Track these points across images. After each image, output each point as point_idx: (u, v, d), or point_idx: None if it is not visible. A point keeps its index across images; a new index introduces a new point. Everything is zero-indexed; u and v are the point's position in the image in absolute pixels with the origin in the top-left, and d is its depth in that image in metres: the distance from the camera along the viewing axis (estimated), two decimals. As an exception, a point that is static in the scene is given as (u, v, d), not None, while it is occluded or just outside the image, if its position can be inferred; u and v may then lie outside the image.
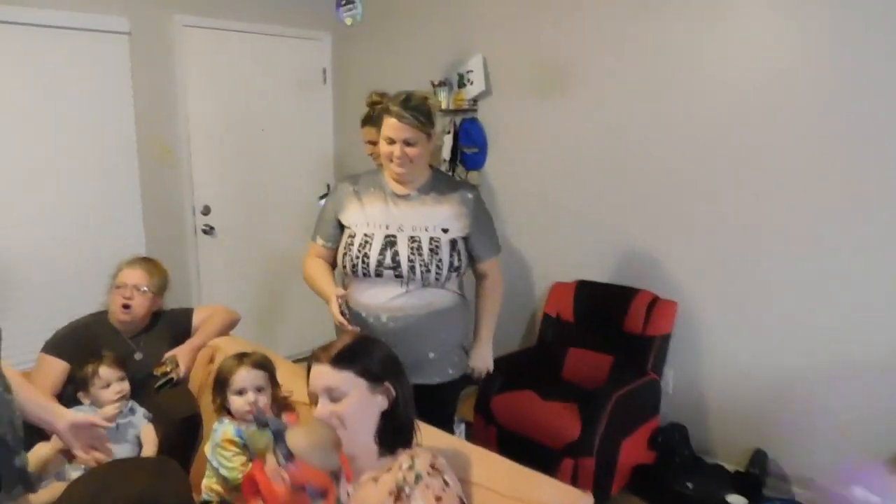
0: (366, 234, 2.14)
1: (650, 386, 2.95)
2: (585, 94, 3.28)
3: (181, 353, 2.44)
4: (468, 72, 3.64)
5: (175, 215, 3.86)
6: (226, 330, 2.63)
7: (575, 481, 2.67)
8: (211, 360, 2.41)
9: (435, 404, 2.07)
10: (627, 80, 3.12)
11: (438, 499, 1.34)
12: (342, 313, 2.06)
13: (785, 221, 2.74)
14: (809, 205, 2.68)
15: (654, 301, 3.03)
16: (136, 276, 2.47)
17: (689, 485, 2.76)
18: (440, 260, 2.11)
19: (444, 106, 3.76)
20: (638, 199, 3.17)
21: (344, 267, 2.20)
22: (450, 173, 3.84)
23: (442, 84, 3.74)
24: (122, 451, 2.10)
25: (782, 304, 2.79)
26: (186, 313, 2.63)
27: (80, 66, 3.40)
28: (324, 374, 1.46)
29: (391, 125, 2.05)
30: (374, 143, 2.93)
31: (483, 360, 2.35)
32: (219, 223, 4.03)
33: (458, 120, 3.77)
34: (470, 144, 3.70)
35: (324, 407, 1.44)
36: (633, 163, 3.17)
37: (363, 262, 2.12)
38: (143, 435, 2.21)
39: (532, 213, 3.57)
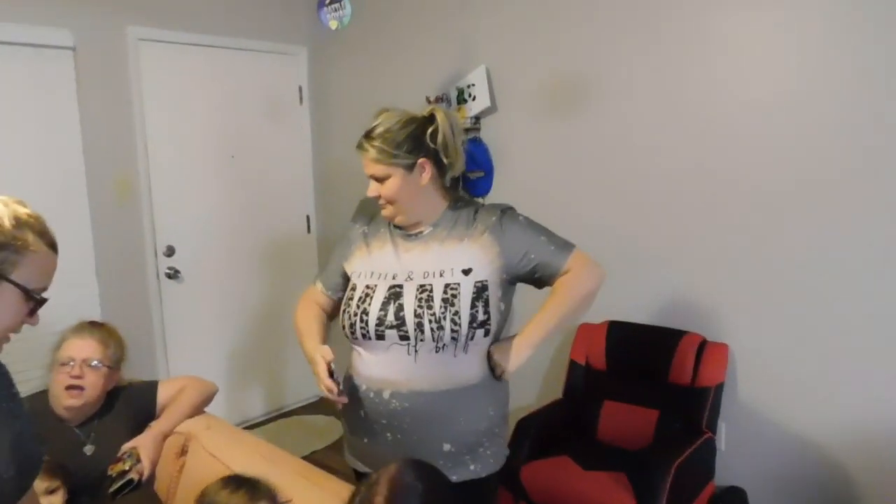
0: (367, 286, 1.68)
1: (707, 446, 2.52)
2: (607, 111, 2.87)
3: (144, 443, 1.93)
4: (470, 86, 3.20)
5: (134, 258, 3.34)
6: (200, 407, 2.14)
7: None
8: (182, 452, 1.92)
9: None
10: (656, 95, 2.72)
11: None
12: (332, 379, 1.59)
13: (860, 254, 2.35)
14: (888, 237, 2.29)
15: (704, 344, 2.61)
16: (86, 349, 1.97)
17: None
18: (457, 312, 1.59)
19: (441, 125, 3.31)
20: (673, 226, 2.76)
21: (343, 328, 1.71)
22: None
23: (439, 100, 3.31)
24: None
25: (859, 348, 2.39)
26: (149, 389, 2.13)
27: (16, 88, 2.87)
28: None
29: (362, 159, 1.68)
30: None
31: (504, 354, 1.66)
32: (185, 265, 3.51)
33: (458, 141, 3.32)
34: (474, 168, 3.26)
35: None
36: (665, 186, 2.76)
37: (362, 320, 1.64)
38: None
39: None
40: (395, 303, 1.62)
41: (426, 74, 3.42)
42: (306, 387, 3.53)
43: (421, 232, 1.71)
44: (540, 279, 1.72)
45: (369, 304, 1.64)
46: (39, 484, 1.66)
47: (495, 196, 3.26)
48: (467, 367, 1.64)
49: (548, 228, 1.77)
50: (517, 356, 1.65)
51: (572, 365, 2.89)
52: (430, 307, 1.59)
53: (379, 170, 1.63)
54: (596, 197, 2.96)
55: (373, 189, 1.67)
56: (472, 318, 1.60)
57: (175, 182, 3.45)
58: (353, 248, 1.78)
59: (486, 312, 1.62)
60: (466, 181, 3.30)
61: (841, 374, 2.43)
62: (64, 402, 1.92)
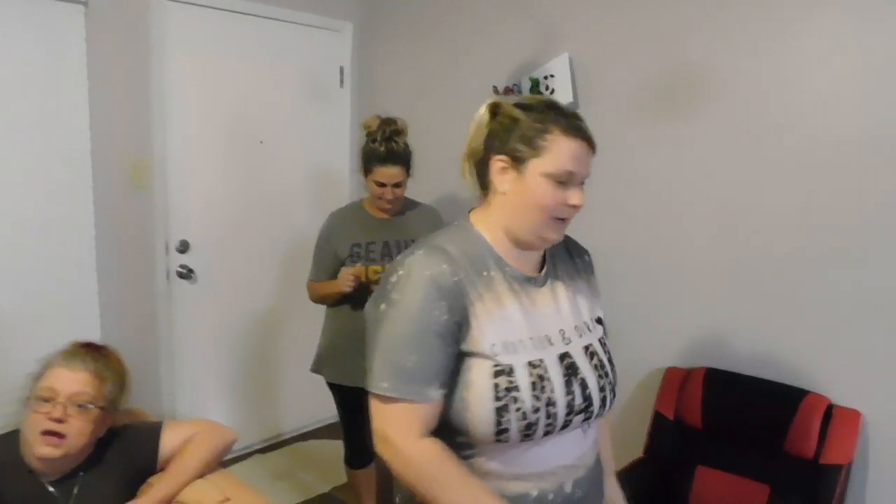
0: (531, 365, 1.14)
1: (835, 539, 2.03)
2: (721, 117, 2.37)
3: (141, 510, 1.47)
4: (548, 76, 2.71)
5: (141, 253, 2.87)
6: (213, 462, 1.68)
7: None
8: (190, 529, 1.44)
9: None
10: (786, 100, 2.23)
11: None
12: None
13: None
14: None
15: (831, 409, 2.13)
16: (75, 383, 1.54)
17: None
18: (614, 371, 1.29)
19: (510, 121, 2.83)
20: (794, 253, 2.26)
21: (504, 433, 1.11)
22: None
23: (509, 91, 2.82)
24: None
25: None
26: (151, 434, 1.69)
27: (15, 45, 2.41)
28: None
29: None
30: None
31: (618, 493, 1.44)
32: (200, 264, 3.04)
33: (528, 140, 2.84)
34: (546, 173, 2.77)
35: None
36: (786, 204, 2.26)
37: (548, 415, 1.13)
38: None
39: (631, 267, 2.65)
40: (576, 380, 1.18)
41: (495, 60, 2.93)
42: (326, 407, 3.07)
43: (536, 277, 1.25)
44: None
45: (551, 391, 1.14)
46: None
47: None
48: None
49: None
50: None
51: (658, 418, 2.40)
52: (606, 374, 1.25)
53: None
54: (696, 216, 2.47)
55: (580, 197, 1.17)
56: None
57: (194, 167, 2.98)
58: (469, 309, 1.14)
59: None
60: (536, 188, 2.81)
61: None
62: (38, 450, 1.47)
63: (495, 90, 2.85)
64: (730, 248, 2.40)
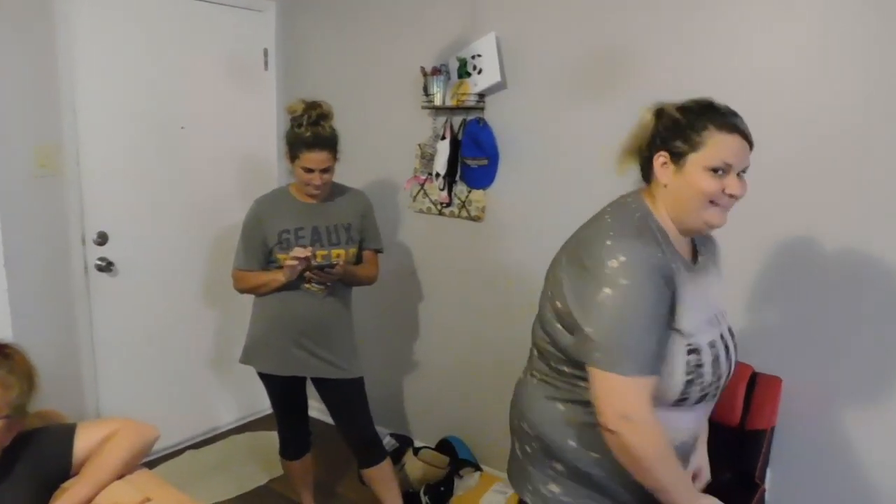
0: (711, 343, 1.34)
1: (762, 499, 2.11)
2: (644, 94, 2.39)
3: (53, 517, 1.39)
4: (475, 56, 2.69)
5: (55, 246, 2.72)
6: (134, 461, 1.60)
7: None
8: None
9: None
10: (702, 77, 2.26)
11: None
12: None
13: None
14: None
15: (755, 378, 2.20)
16: None
17: None
18: None
19: (438, 102, 2.80)
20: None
21: (678, 401, 1.32)
22: (445, 190, 2.89)
23: (437, 72, 2.78)
24: None
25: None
26: (63, 437, 1.59)
27: None
28: None
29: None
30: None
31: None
32: (120, 257, 2.91)
33: (457, 121, 2.82)
34: (475, 154, 2.76)
35: None
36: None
37: (715, 388, 1.38)
38: None
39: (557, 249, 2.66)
40: (727, 359, 1.40)
41: (422, 40, 2.89)
42: (261, 398, 2.99)
43: (694, 261, 1.42)
44: None
45: (719, 368, 1.36)
46: None
47: (499, 186, 2.76)
48: None
49: None
50: None
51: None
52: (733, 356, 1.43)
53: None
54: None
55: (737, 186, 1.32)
56: None
57: (111, 154, 2.83)
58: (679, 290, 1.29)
59: None
60: (466, 169, 2.80)
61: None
62: None
63: (423, 71, 2.81)
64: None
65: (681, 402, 1.30)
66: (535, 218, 2.71)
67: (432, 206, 2.96)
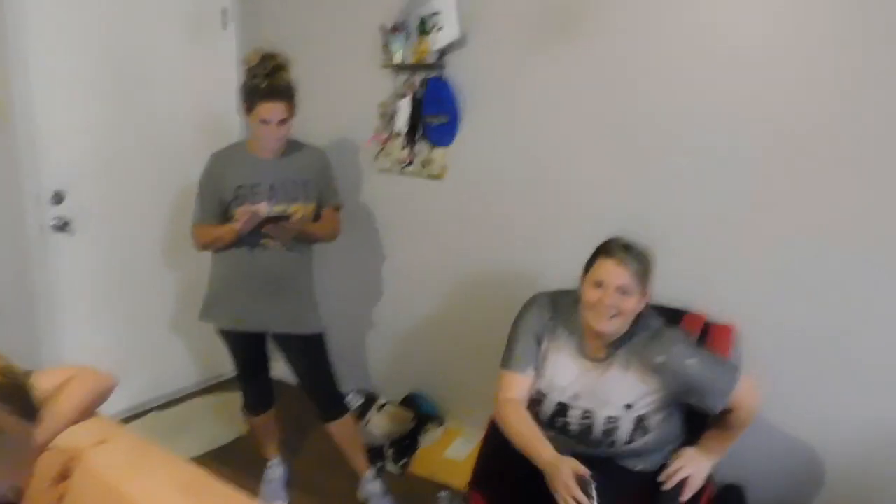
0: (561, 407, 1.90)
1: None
2: (606, 48, 2.41)
3: (6, 459, 1.39)
4: (434, 14, 2.68)
5: (9, 206, 2.68)
6: (90, 408, 1.58)
7: None
8: (63, 476, 1.39)
9: None
10: (665, 25, 2.30)
11: None
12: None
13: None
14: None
15: (707, 327, 2.27)
16: None
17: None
18: None
19: (399, 61, 2.80)
20: (672, 188, 2.37)
21: None
22: (406, 149, 2.90)
23: (395, 31, 2.77)
24: None
25: (879, 335, 2.10)
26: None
27: None
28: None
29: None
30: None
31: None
32: (78, 216, 2.87)
33: (418, 79, 2.82)
34: (436, 112, 2.77)
35: None
36: (665, 139, 2.36)
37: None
38: None
39: (519, 206, 2.70)
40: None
41: (381, -2, 2.87)
42: (219, 363, 3.00)
43: None
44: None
45: None
46: None
47: (460, 143, 2.78)
48: None
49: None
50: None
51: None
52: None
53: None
54: (581, 151, 2.53)
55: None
56: None
57: (65, 113, 2.78)
58: None
59: None
60: (427, 127, 2.81)
61: (856, 364, 2.15)
62: None
63: (383, 29, 2.80)
64: (607, 181, 2.48)
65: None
66: (494, 175, 2.74)
67: (394, 165, 2.97)
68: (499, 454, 2.08)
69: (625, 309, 1.75)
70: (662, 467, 1.89)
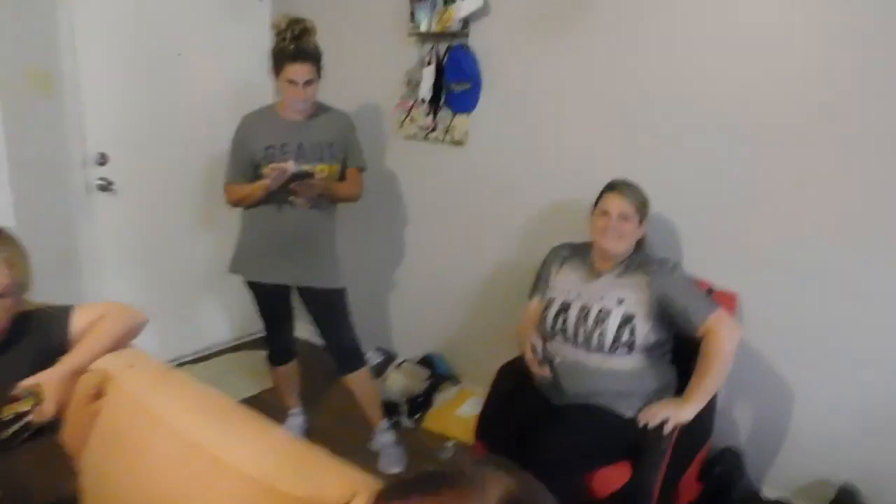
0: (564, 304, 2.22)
1: (709, 407, 2.25)
2: (629, 20, 2.46)
3: (49, 380, 1.56)
4: (459, -18, 2.76)
5: (57, 168, 2.85)
6: (123, 340, 1.74)
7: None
8: (98, 395, 1.54)
9: None
10: (680, 5, 2.34)
11: None
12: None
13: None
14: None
15: (710, 293, 2.32)
16: None
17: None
18: None
19: (424, 29, 2.88)
20: (682, 158, 2.42)
21: None
22: (430, 116, 2.99)
23: (421, 0, 2.86)
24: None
25: (880, 304, 2.14)
26: (61, 315, 1.73)
27: None
28: None
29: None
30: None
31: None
32: (120, 177, 3.04)
33: (442, 48, 2.90)
34: (458, 79, 2.85)
35: None
36: (683, 114, 2.40)
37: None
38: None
39: (537, 172, 2.78)
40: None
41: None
42: (250, 321, 3.15)
43: None
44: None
45: None
46: None
47: (482, 111, 2.86)
48: None
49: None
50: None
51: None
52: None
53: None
54: (595, 120, 2.59)
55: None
56: None
57: (110, 79, 2.93)
58: None
59: None
60: (449, 94, 2.90)
61: (855, 332, 2.19)
62: None
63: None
64: (624, 150, 2.54)
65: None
66: (515, 141, 2.82)
67: (418, 132, 3.06)
68: (501, 407, 2.20)
69: (625, 231, 2.11)
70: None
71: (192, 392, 1.48)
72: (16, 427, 1.47)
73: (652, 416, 1.98)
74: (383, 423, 2.69)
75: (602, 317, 2.06)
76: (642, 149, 2.50)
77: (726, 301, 2.31)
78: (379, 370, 3.12)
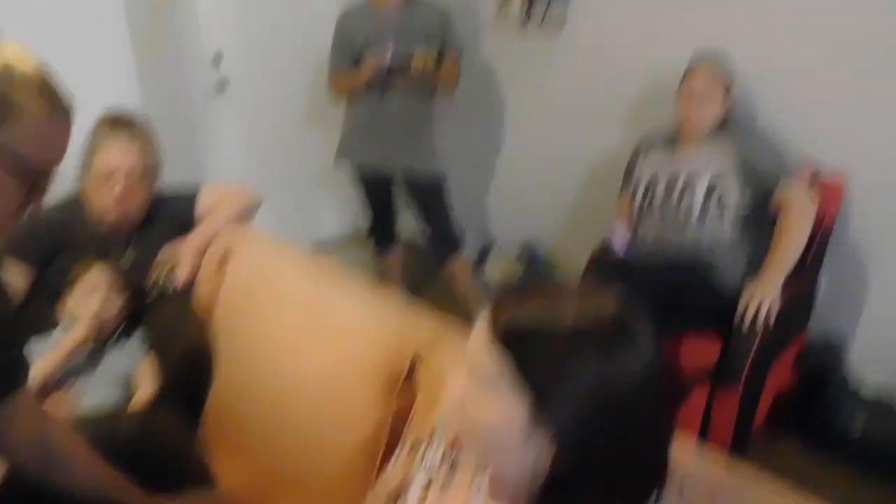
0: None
1: (805, 293, 2.23)
2: None
3: (182, 251, 1.78)
4: None
5: (178, 66, 3.05)
6: (242, 217, 1.94)
7: (708, 419, 2.05)
8: (224, 263, 1.74)
9: None
10: None
11: None
12: None
13: None
14: None
15: (817, 176, 2.24)
16: (128, 158, 1.75)
17: (859, 420, 2.11)
18: None
19: None
20: (795, 37, 2.28)
21: None
22: (526, 5, 2.94)
23: None
24: (105, 395, 1.49)
25: None
26: (189, 197, 1.94)
27: None
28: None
29: None
30: None
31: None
32: (235, 74, 3.21)
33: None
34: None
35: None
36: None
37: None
38: (139, 372, 1.60)
39: (635, 60, 2.70)
40: None
41: None
42: (357, 217, 3.31)
43: None
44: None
45: None
46: (100, 277, 1.62)
47: (578, 2, 2.79)
48: None
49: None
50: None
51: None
52: None
53: None
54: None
55: None
56: None
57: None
58: None
59: None
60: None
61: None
62: (108, 216, 1.76)
63: None
64: (740, 17, 2.42)
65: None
66: (615, 29, 2.74)
67: (514, 22, 3.02)
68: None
69: (710, 101, 2.14)
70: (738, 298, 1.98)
71: (305, 260, 1.65)
72: (160, 288, 1.71)
73: (748, 309, 1.93)
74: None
75: (689, 188, 2.11)
76: (753, 26, 2.37)
77: (831, 192, 2.21)
78: (479, 258, 3.24)
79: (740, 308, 1.94)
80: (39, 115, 0.84)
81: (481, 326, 0.75)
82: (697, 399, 2.05)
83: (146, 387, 1.56)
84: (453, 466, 0.91)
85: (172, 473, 1.33)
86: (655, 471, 0.77)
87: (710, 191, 2.08)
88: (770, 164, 2.08)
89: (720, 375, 2.01)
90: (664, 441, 0.77)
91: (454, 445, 0.92)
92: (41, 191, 0.89)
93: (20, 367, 1.07)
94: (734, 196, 2.07)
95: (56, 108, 0.87)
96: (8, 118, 0.81)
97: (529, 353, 0.71)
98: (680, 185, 2.13)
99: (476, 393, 0.74)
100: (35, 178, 0.87)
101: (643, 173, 2.27)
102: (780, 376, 2.24)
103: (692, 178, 2.11)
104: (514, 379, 0.71)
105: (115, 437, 1.33)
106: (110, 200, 1.73)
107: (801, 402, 2.25)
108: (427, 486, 0.90)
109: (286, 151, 3.53)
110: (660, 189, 2.18)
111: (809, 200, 2.04)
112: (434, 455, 0.92)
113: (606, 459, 0.72)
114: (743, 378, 1.99)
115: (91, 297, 1.58)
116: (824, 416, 2.18)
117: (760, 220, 2.11)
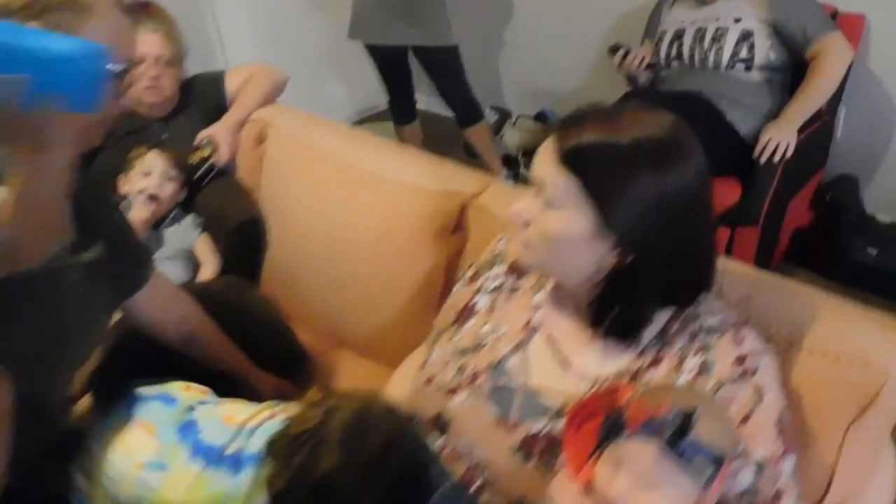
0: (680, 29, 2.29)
1: (822, 131, 2.27)
2: None
3: (220, 132, 1.85)
4: None
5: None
6: (272, 95, 1.98)
7: (729, 254, 2.16)
8: (261, 140, 1.81)
9: None
10: None
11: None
12: None
13: None
14: None
15: (835, 16, 2.23)
16: (156, 45, 1.79)
17: (872, 251, 2.21)
18: None
19: None
20: None
21: None
22: None
23: None
24: (173, 273, 1.61)
25: None
26: (216, 79, 1.98)
27: None
28: None
29: None
30: None
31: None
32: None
33: None
34: None
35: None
36: None
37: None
38: (198, 250, 1.70)
39: None
40: None
41: None
42: (374, 95, 3.30)
43: None
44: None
45: None
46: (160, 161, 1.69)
47: None
48: None
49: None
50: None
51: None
52: None
53: None
54: None
55: None
56: None
57: None
58: None
59: None
60: None
61: None
62: (145, 100, 1.81)
63: None
64: None
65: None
66: None
67: None
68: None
69: None
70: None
71: (338, 127, 1.71)
72: (203, 169, 1.79)
73: (766, 148, 1.97)
74: (503, 173, 2.91)
75: (719, 34, 2.09)
76: None
77: (852, 24, 2.21)
78: (496, 128, 3.28)
79: (759, 147, 1.98)
80: (110, 11, 0.89)
81: (546, 150, 0.83)
82: (718, 240, 2.15)
83: (209, 263, 1.68)
84: (513, 289, 1.02)
85: (269, 347, 1.40)
86: (704, 274, 0.88)
87: (740, 39, 2.07)
88: (806, 13, 2.04)
89: (740, 217, 2.09)
90: (711, 247, 0.88)
91: (512, 271, 1.03)
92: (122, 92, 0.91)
93: (144, 250, 1.16)
94: (764, 46, 2.06)
95: (118, 4, 0.91)
96: (84, 11, 0.85)
97: (594, 170, 0.80)
98: (710, 34, 2.11)
99: (542, 209, 0.84)
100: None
101: (669, 25, 2.25)
102: (797, 214, 2.33)
103: (724, 28, 2.09)
104: (580, 195, 0.80)
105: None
106: (143, 88, 1.78)
107: (817, 238, 2.35)
108: (490, 308, 1.01)
109: (298, 31, 3.47)
110: (687, 37, 2.16)
111: (846, 48, 2.03)
112: (494, 279, 1.03)
113: (663, 261, 0.82)
114: (762, 218, 2.08)
115: (147, 179, 1.66)
116: (840, 249, 2.28)
117: (787, 78, 2.13)
